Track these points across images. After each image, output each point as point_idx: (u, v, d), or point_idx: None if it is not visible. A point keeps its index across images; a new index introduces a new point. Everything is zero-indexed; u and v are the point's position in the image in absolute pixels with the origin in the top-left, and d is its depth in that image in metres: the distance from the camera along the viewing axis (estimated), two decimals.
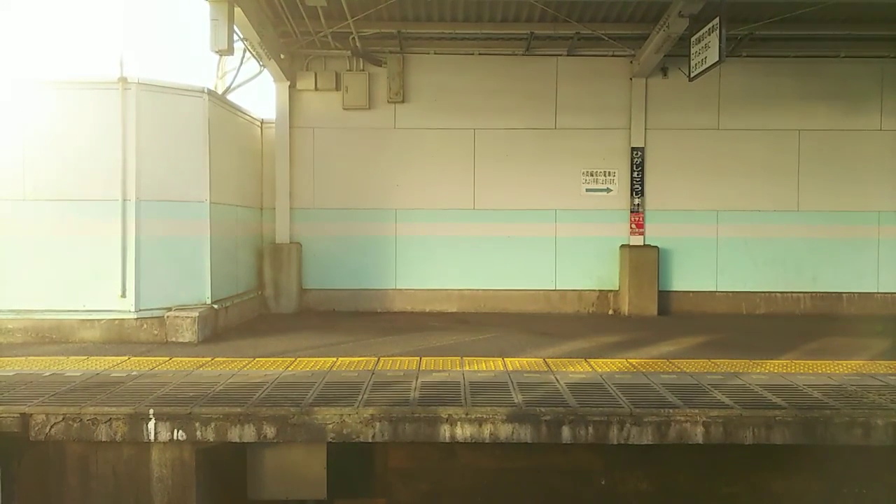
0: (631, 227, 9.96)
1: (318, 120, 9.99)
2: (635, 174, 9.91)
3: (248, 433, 4.66)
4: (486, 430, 4.67)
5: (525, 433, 4.66)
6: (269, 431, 4.66)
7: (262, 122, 10.16)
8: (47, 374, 5.71)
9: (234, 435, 4.65)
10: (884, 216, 9.96)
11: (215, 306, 7.82)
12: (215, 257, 7.96)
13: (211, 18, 7.36)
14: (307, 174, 9.98)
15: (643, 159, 9.93)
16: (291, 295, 9.80)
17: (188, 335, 7.22)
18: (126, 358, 6.41)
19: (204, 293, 7.79)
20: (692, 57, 8.29)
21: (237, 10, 7.49)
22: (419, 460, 5.72)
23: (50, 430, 4.64)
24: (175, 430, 4.64)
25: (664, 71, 9.85)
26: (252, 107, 9.75)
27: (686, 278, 10.01)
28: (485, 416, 4.67)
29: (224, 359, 6.43)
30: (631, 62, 9.86)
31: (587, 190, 10.01)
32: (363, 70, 9.91)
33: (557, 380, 5.60)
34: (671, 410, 4.73)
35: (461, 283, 9.98)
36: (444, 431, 4.67)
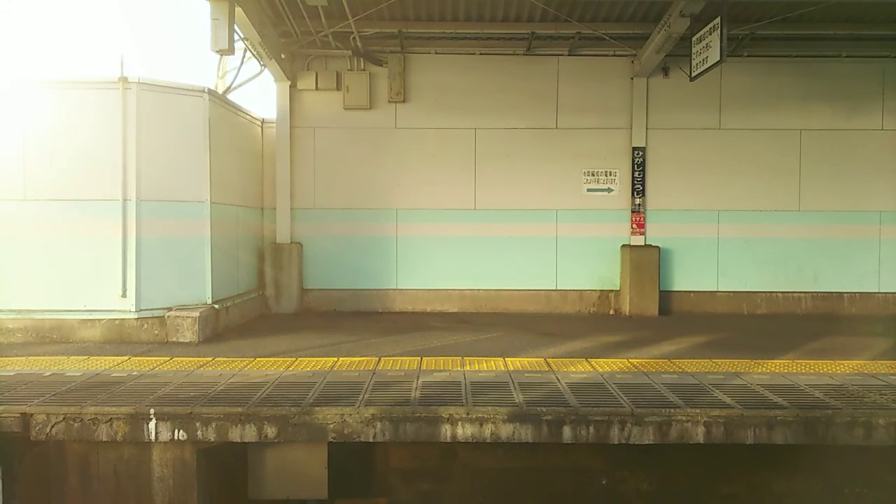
0: (632, 227, 9.95)
1: (318, 120, 9.98)
2: (636, 174, 9.90)
3: (249, 433, 4.65)
4: (487, 430, 4.66)
5: (526, 433, 4.66)
6: (270, 431, 4.65)
7: (262, 122, 10.16)
8: (48, 373, 5.70)
9: (235, 435, 4.65)
10: (885, 216, 9.95)
11: (216, 306, 7.82)
12: (216, 257, 7.95)
13: (212, 18, 7.35)
14: (308, 174, 9.98)
15: (644, 159, 9.92)
16: (292, 295, 9.80)
17: (189, 335, 7.22)
18: (127, 358, 6.41)
19: (204, 293, 7.79)
20: (693, 57, 8.28)
21: (238, 9, 7.48)
22: (420, 460, 5.73)
23: (51, 429, 4.64)
24: (176, 430, 4.64)
25: (665, 71, 9.84)
26: (253, 106, 9.77)
27: (687, 278, 10.00)
28: (486, 416, 4.66)
29: (225, 359, 6.43)
30: (632, 62, 9.86)
31: (588, 190, 10.01)
32: (364, 70, 9.91)
33: (558, 379, 5.60)
34: (672, 410, 4.72)
35: (462, 283, 9.97)
36: (445, 431, 4.66)
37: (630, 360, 6.41)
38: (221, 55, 8.91)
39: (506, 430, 4.66)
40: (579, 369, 6.01)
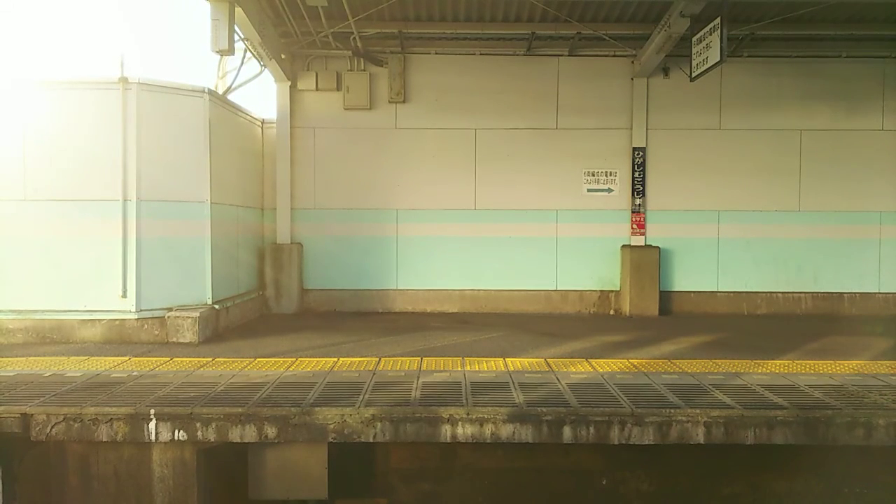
0: (632, 228, 9.95)
1: (318, 120, 9.99)
2: (636, 174, 9.91)
3: (250, 433, 4.66)
4: (488, 431, 4.66)
5: (526, 433, 4.66)
6: (271, 431, 4.66)
7: (262, 122, 10.15)
8: (48, 374, 5.70)
9: (235, 435, 4.65)
10: (885, 216, 9.95)
11: (216, 307, 7.82)
12: (216, 257, 7.95)
13: (212, 18, 7.36)
14: (308, 174, 9.98)
15: (644, 159, 9.92)
16: (292, 295, 9.80)
17: (189, 335, 7.22)
18: (127, 358, 6.41)
19: (205, 293, 7.79)
20: (693, 57, 8.28)
21: (238, 10, 7.48)
22: (420, 460, 5.73)
23: (51, 430, 4.64)
24: (176, 431, 4.64)
25: (665, 71, 9.84)
26: (253, 107, 9.77)
27: (687, 278, 10.00)
28: (486, 417, 4.66)
29: (225, 359, 6.43)
30: (632, 62, 9.86)
31: (588, 190, 10.01)
32: (364, 70, 9.91)
33: (559, 380, 5.60)
34: (672, 410, 4.72)
35: (462, 283, 9.98)
36: (446, 431, 4.66)
37: (630, 361, 6.41)
38: (221, 55, 8.91)
39: (506, 431, 4.66)
40: (579, 369, 6.01)
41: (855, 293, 9.96)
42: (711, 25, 7.69)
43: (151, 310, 7.31)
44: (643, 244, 9.91)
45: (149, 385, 5.34)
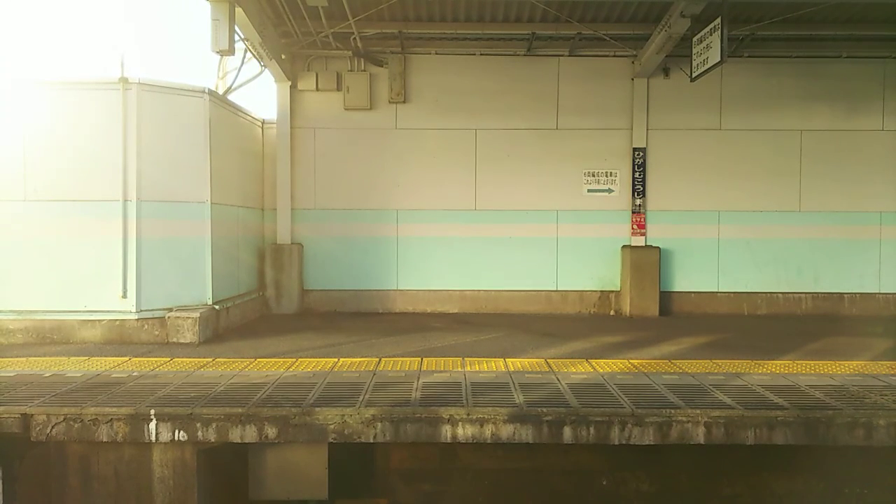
0: (632, 228, 9.95)
1: (319, 120, 9.99)
2: (637, 175, 9.90)
3: (250, 434, 4.65)
4: (488, 431, 4.66)
5: (526, 433, 4.66)
6: (271, 432, 4.65)
7: (263, 123, 10.15)
8: (48, 374, 5.70)
9: (236, 435, 4.65)
10: (885, 216, 9.95)
11: (216, 307, 7.82)
12: (216, 258, 7.95)
13: (212, 18, 7.35)
14: (308, 175, 9.99)
15: (645, 160, 9.92)
16: (293, 296, 9.80)
17: (189, 336, 7.21)
18: (127, 358, 6.41)
19: (205, 294, 7.79)
20: (694, 57, 8.28)
21: (238, 10, 7.48)
22: (420, 461, 5.73)
23: (51, 430, 4.64)
24: (176, 431, 4.64)
25: (666, 71, 9.84)
26: (253, 107, 9.77)
27: (687, 279, 10.00)
28: (486, 417, 4.66)
29: (225, 359, 6.43)
30: (632, 62, 9.86)
31: (589, 190, 10.01)
32: (364, 70, 9.91)
33: (559, 380, 5.60)
34: (673, 411, 4.72)
35: (462, 283, 9.97)
36: (446, 432, 4.66)
37: (630, 361, 6.40)
38: (222, 56, 8.92)
39: (506, 431, 4.66)
40: (580, 370, 6.01)
41: (855, 293, 9.96)
42: (712, 26, 7.69)
43: (152, 310, 7.31)
44: (643, 244, 9.90)
45: (149, 385, 5.34)
